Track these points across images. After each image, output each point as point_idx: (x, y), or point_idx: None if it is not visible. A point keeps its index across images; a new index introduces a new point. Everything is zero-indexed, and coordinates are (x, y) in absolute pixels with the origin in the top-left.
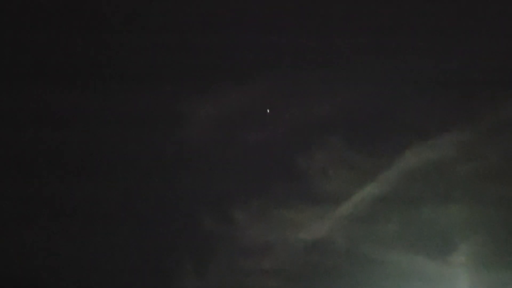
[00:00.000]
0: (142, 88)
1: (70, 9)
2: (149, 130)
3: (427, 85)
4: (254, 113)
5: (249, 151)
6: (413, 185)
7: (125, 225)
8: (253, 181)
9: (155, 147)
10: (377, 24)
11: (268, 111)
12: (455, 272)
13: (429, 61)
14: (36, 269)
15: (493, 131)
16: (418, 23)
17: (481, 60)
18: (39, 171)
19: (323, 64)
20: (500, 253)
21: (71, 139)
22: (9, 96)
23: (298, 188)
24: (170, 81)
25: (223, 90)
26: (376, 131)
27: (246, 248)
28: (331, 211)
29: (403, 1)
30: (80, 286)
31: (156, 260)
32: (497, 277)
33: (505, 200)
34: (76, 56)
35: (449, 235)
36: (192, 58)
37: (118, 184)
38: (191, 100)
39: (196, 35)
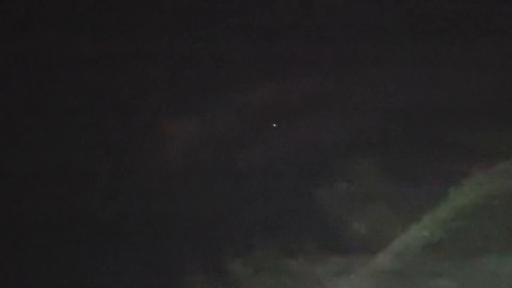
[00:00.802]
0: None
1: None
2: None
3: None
4: (255, 130)
5: (248, 180)
6: (472, 226)
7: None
8: (254, 220)
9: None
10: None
11: (274, 125)
12: None
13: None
14: None
15: None
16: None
17: None
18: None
19: (337, 69)
20: None
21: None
22: None
23: (314, 231)
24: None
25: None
26: (419, 155)
27: None
28: (361, 264)
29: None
30: None
31: None
32: None
33: None
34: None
35: None
36: (183, 71)
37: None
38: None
39: (186, 49)
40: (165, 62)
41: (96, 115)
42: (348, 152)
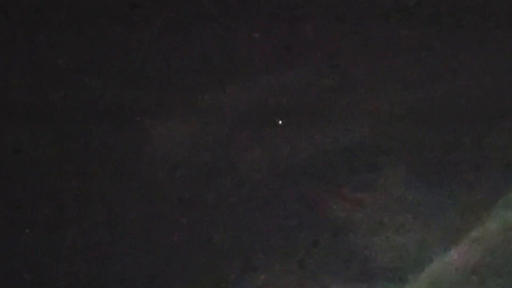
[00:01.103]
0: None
1: None
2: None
3: None
4: (256, 129)
5: (250, 183)
6: None
7: None
8: (258, 230)
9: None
10: None
11: (280, 122)
12: None
13: None
14: None
15: None
16: None
17: None
18: None
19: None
20: None
21: None
22: None
23: (330, 253)
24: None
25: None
26: (455, 161)
27: None
28: None
29: None
30: None
31: None
32: None
33: None
34: None
35: None
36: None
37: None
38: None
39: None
40: (164, 61)
41: (93, 116)
42: (369, 157)
